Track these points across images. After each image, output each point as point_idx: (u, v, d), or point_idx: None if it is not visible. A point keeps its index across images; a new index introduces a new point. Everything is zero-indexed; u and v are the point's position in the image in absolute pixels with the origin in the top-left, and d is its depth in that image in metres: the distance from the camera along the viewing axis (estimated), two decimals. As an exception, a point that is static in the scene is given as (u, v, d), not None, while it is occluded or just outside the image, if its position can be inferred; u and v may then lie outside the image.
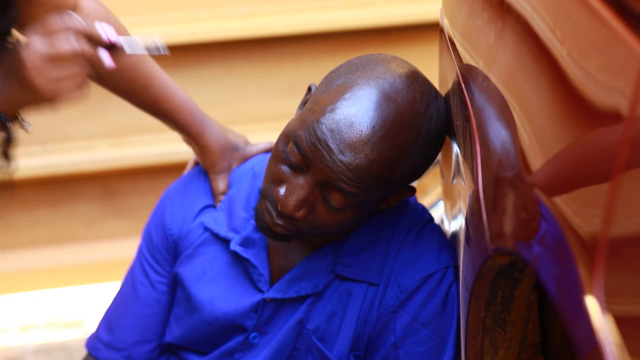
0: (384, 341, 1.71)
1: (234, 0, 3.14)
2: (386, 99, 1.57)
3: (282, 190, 1.60)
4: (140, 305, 1.84)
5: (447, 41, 1.73)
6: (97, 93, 3.32)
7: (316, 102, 1.59)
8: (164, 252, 1.83)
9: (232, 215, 1.79)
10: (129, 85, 1.80)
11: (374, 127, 1.55)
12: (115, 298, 1.90)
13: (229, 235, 1.78)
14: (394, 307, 1.70)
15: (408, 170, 1.61)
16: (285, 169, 1.61)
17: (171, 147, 3.18)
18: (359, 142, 1.55)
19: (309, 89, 1.69)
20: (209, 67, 3.16)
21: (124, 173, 3.20)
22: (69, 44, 1.43)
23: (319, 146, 1.55)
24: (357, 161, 1.55)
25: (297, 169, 1.59)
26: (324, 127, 1.56)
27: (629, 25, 1.07)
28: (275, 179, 1.62)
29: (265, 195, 1.64)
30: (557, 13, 1.26)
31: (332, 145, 1.55)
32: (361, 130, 1.55)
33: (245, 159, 1.89)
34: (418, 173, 1.65)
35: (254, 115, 3.21)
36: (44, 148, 3.09)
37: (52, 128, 3.08)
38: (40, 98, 1.45)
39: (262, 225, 1.65)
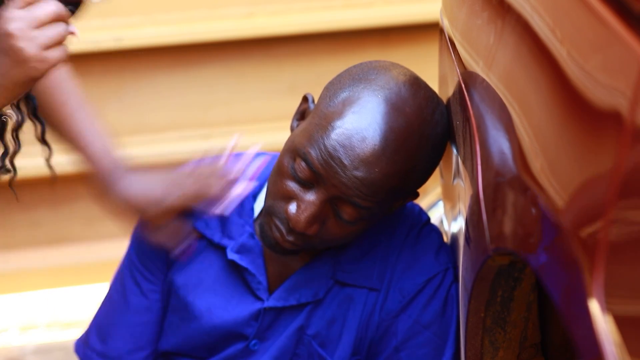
0: (386, 345, 1.71)
1: (234, 0, 3.13)
2: (394, 109, 1.55)
3: (292, 208, 1.57)
4: (132, 313, 1.81)
5: (447, 41, 1.73)
6: (97, 93, 3.32)
7: (322, 116, 1.57)
8: (155, 260, 1.79)
9: (225, 220, 1.75)
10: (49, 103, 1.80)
11: (387, 140, 1.53)
12: (104, 304, 1.86)
13: (224, 241, 1.74)
14: (396, 311, 1.70)
15: (419, 178, 1.61)
16: (293, 185, 1.58)
17: (171, 147, 3.18)
18: (372, 157, 1.53)
19: (305, 99, 1.65)
20: (209, 67, 3.16)
21: (124, 173, 3.19)
22: (49, 6, 1.47)
23: (332, 163, 1.53)
24: (372, 176, 1.53)
25: (306, 184, 1.57)
26: (335, 143, 1.53)
27: (629, 25, 1.07)
28: (283, 196, 1.59)
29: (272, 212, 1.61)
30: (557, 13, 1.25)
31: (346, 161, 1.53)
32: (374, 145, 1.53)
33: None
34: (426, 178, 1.64)
35: (254, 115, 3.20)
36: (44, 148, 3.08)
37: (52, 128, 3.07)
38: (31, 68, 1.46)
39: (270, 242, 1.62)
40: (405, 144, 1.55)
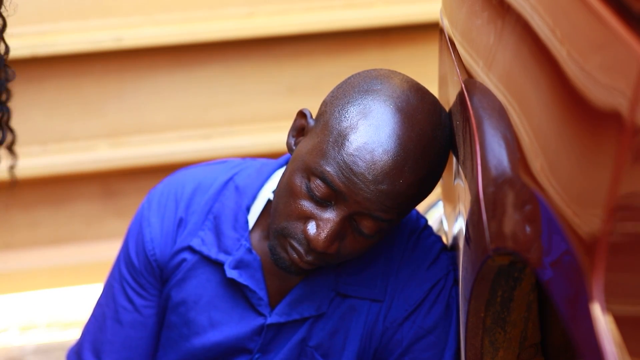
0: (391, 351, 1.70)
1: (234, 0, 3.13)
2: (408, 118, 1.53)
3: (311, 228, 1.54)
4: (126, 330, 1.78)
5: (447, 41, 1.73)
6: (97, 93, 3.32)
7: (335, 131, 1.53)
8: (148, 277, 1.77)
9: (220, 235, 1.73)
10: None
11: (407, 149, 1.52)
12: (95, 318, 1.83)
13: (220, 257, 1.72)
14: (402, 319, 1.70)
15: (434, 182, 1.60)
16: (308, 204, 1.55)
17: (171, 147, 3.18)
18: (396, 169, 1.51)
19: (302, 114, 1.62)
20: (209, 67, 3.16)
21: (124, 173, 3.19)
22: None
23: (356, 179, 1.51)
24: (397, 188, 1.52)
25: (323, 203, 1.54)
26: (355, 158, 1.51)
27: (629, 25, 1.07)
28: (298, 216, 1.56)
29: (286, 233, 1.57)
30: (557, 13, 1.26)
31: (370, 176, 1.50)
32: (396, 156, 1.51)
33: None
34: (438, 182, 1.63)
35: (254, 116, 3.21)
36: (44, 148, 3.08)
37: (52, 128, 3.08)
38: None
39: (285, 264, 1.59)
40: (423, 150, 1.54)
